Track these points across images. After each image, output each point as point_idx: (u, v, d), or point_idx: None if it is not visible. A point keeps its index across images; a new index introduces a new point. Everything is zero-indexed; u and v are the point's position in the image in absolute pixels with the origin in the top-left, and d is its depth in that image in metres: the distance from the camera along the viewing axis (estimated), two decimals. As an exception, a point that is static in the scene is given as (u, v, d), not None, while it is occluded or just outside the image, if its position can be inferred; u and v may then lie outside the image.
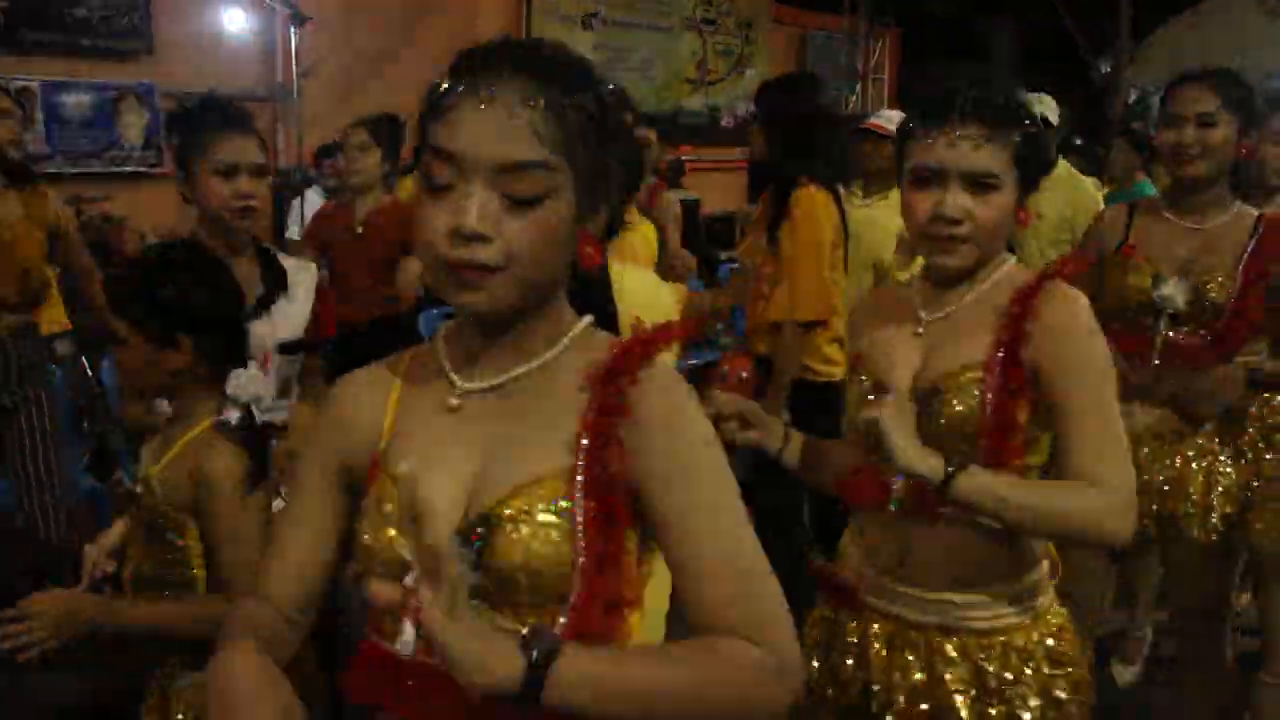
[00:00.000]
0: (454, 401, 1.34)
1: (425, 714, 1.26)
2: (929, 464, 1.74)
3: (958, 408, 1.83)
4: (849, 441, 2.01)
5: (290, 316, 2.67)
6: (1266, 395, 2.94)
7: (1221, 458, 2.89)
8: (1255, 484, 2.94)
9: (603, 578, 1.23)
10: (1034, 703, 1.85)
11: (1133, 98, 17.64)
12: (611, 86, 1.31)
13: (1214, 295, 2.80)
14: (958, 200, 1.82)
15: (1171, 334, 2.85)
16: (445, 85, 1.23)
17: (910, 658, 1.91)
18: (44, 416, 3.68)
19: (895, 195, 4.19)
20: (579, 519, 1.24)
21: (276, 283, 2.64)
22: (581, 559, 1.23)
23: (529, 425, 1.31)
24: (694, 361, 5.06)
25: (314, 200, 6.14)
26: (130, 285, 2.10)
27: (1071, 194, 4.60)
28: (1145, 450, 2.91)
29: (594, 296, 1.44)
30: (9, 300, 3.60)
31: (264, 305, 2.57)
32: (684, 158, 13.27)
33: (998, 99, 1.84)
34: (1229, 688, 3.17)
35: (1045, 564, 1.97)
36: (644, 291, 2.41)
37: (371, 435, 1.39)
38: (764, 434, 2.03)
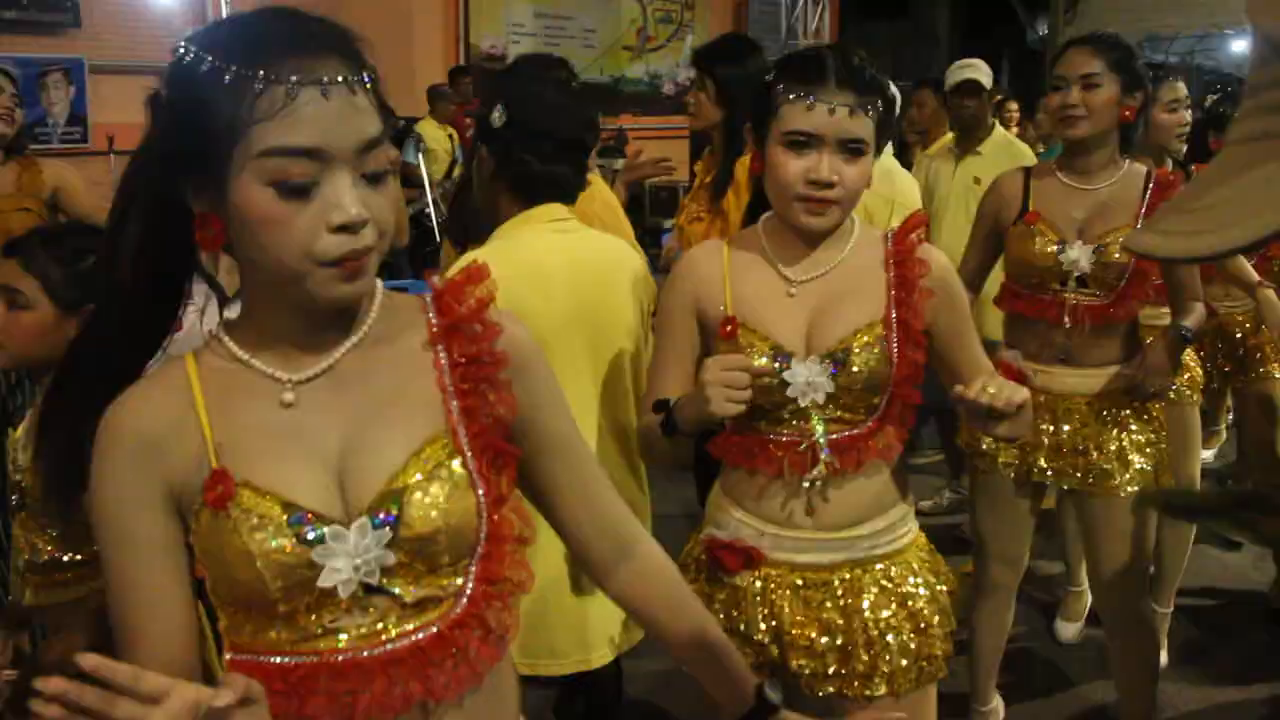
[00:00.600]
0: (288, 397, 1.28)
1: None
2: None
3: (870, 364, 1.97)
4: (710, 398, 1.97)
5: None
6: None
7: (1132, 419, 3.04)
8: (1163, 445, 3.10)
9: (503, 519, 1.31)
10: (927, 609, 2.10)
11: (1069, 59, 17.82)
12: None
13: (1117, 256, 2.90)
14: (833, 164, 1.92)
15: (1077, 298, 2.97)
16: (265, 83, 1.15)
17: (822, 597, 2.07)
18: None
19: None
20: (472, 467, 1.29)
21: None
22: (482, 504, 1.29)
23: (381, 401, 1.30)
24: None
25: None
26: (52, 247, 2.07)
27: (1010, 162, 4.63)
28: (1066, 410, 3.04)
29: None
30: None
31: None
32: (625, 127, 13.21)
33: (867, 71, 1.94)
34: (1153, 636, 3.34)
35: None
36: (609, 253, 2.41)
37: (192, 452, 1.26)
38: None
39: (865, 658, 2.04)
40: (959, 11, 19.80)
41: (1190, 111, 4.01)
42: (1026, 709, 3.73)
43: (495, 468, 1.32)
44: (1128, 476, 3.00)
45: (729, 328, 2.02)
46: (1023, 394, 1.84)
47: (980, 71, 4.99)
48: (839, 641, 2.05)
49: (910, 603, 2.08)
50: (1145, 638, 3.22)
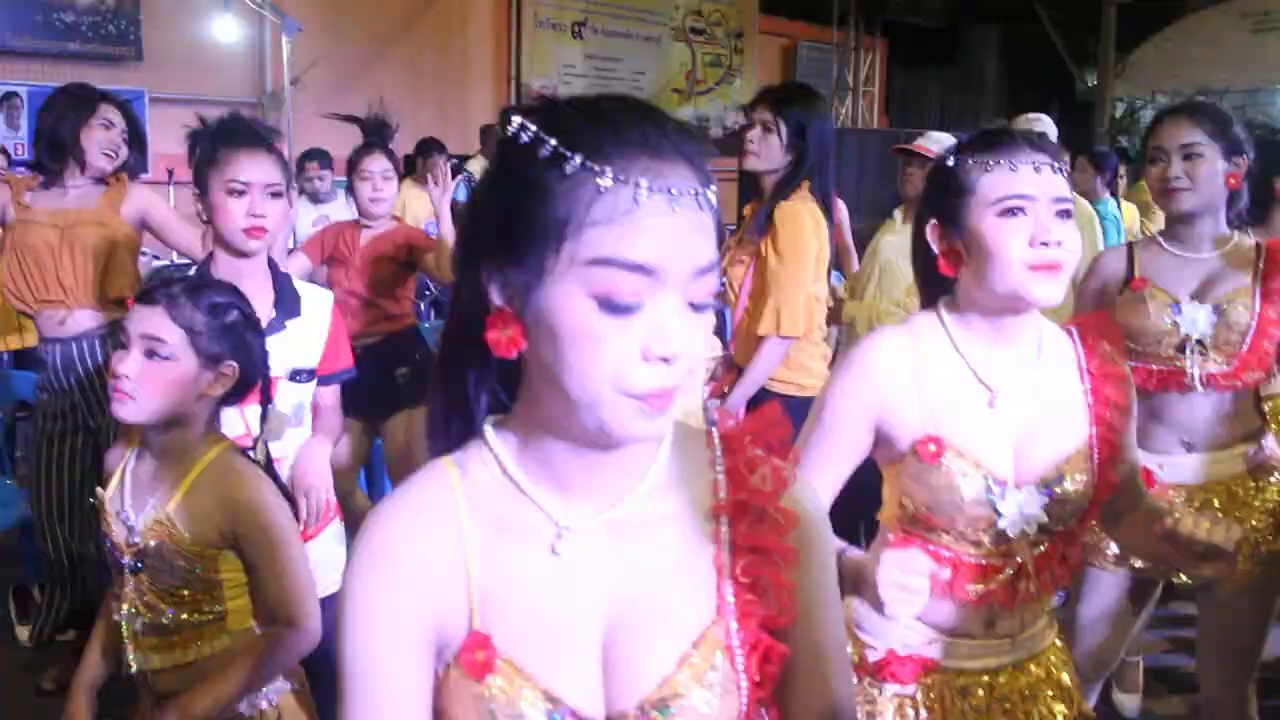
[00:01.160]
0: (561, 548, 1.13)
1: None
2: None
3: (1080, 490, 1.85)
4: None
5: (304, 344, 2.60)
6: None
7: (1255, 497, 2.83)
8: None
9: (761, 689, 1.18)
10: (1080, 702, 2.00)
11: (1119, 111, 17.75)
12: None
13: (1237, 316, 2.73)
14: (1057, 226, 1.76)
15: (1199, 364, 2.76)
16: (613, 180, 1.01)
17: (989, 700, 1.94)
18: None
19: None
20: (739, 668, 1.15)
21: (289, 308, 2.57)
22: (744, 707, 1.16)
23: (656, 568, 1.15)
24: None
25: (306, 209, 6.10)
26: (198, 298, 2.03)
27: (1088, 237, 4.52)
28: (1202, 504, 2.82)
29: None
30: (82, 299, 3.52)
31: (274, 329, 2.48)
32: (673, 167, 13.29)
33: (1044, 137, 1.85)
34: None
35: None
36: None
37: (457, 597, 1.12)
38: None
39: None
40: (1007, 60, 19.75)
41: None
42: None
43: (762, 669, 1.16)
44: (1254, 558, 2.77)
45: (932, 448, 1.81)
46: (1238, 531, 1.67)
47: (1047, 126, 4.87)
48: None
49: (1075, 697, 1.99)
50: None
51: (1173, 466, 2.81)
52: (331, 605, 1.28)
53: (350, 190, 4.25)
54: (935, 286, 1.93)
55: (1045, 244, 1.73)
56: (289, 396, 2.59)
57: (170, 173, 8.25)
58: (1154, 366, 2.78)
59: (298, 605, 2.02)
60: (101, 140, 3.51)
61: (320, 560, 2.37)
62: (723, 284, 3.64)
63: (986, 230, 1.77)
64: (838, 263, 4.51)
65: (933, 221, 1.87)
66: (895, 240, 4.08)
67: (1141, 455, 2.29)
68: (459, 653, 1.11)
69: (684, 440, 1.20)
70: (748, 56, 14.60)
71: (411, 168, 8.05)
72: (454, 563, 1.12)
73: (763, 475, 1.18)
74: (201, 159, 2.52)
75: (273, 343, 2.31)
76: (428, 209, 7.82)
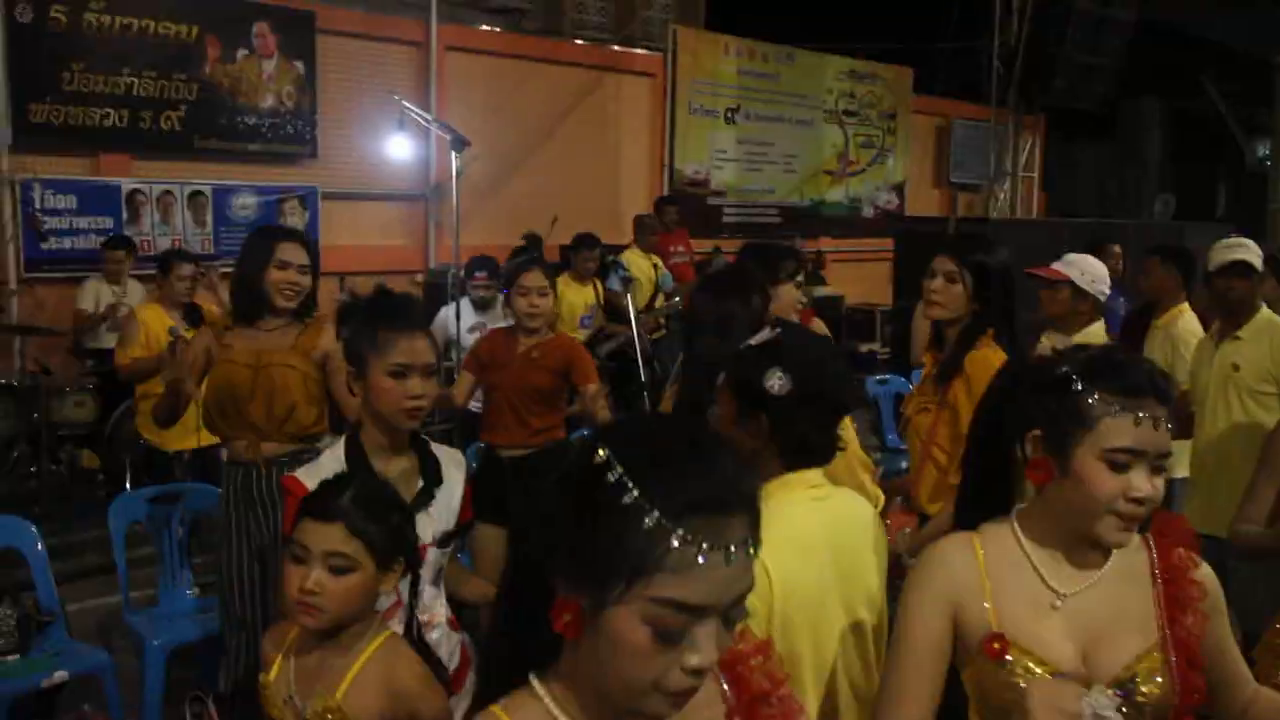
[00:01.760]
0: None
1: None
2: None
3: (1155, 693, 1.83)
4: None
5: (447, 508, 2.67)
6: None
7: None
8: None
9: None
10: None
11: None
12: None
13: None
14: (1150, 481, 1.78)
15: None
16: (682, 541, 1.17)
17: None
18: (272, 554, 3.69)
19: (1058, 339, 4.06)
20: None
21: (434, 477, 2.66)
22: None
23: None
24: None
25: (468, 311, 6.27)
26: (371, 508, 2.15)
27: (1270, 346, 4.25)
28: None
29: None
30: (270, 433, 3.67)
31: (424, 501, 2.58)
32: (824, 250, 13.26)
33: (1166, 380, 1.84)
34: None
35: None
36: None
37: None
38: None
39: None
40: (1169, 135, 19.17)
41: None
42: None
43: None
44: None
45: (997, 646, 1.83)
46: None
47: (1251, 252, 4.66)
48: None
49: None
50: None
51: None
52: None
53: (508, 302, 4.39)
54: (986, 484, 1.95)
55: (1136, 500, 1.76)
56: (433, 561, 2.66)
57: (341, 279, 8.59)
58: None
59: None
60: (280, 282, 3.67)
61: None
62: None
63: (1089, 472, 1.78)
64: None
65: (1036, 432, 1.85)
66: None
67: None
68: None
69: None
70: (900, 136, 14.53)
71: (567, 262, 8.20)
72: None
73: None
74: (358, 337, 2.59)
75: (423, 514, 2.46)
76: (584, 301, 7.97)
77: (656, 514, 1.15)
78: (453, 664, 2.70)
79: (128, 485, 6.18)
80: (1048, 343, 4.27)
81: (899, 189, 14.60)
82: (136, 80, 7.83)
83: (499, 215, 9.53)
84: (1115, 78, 14.19)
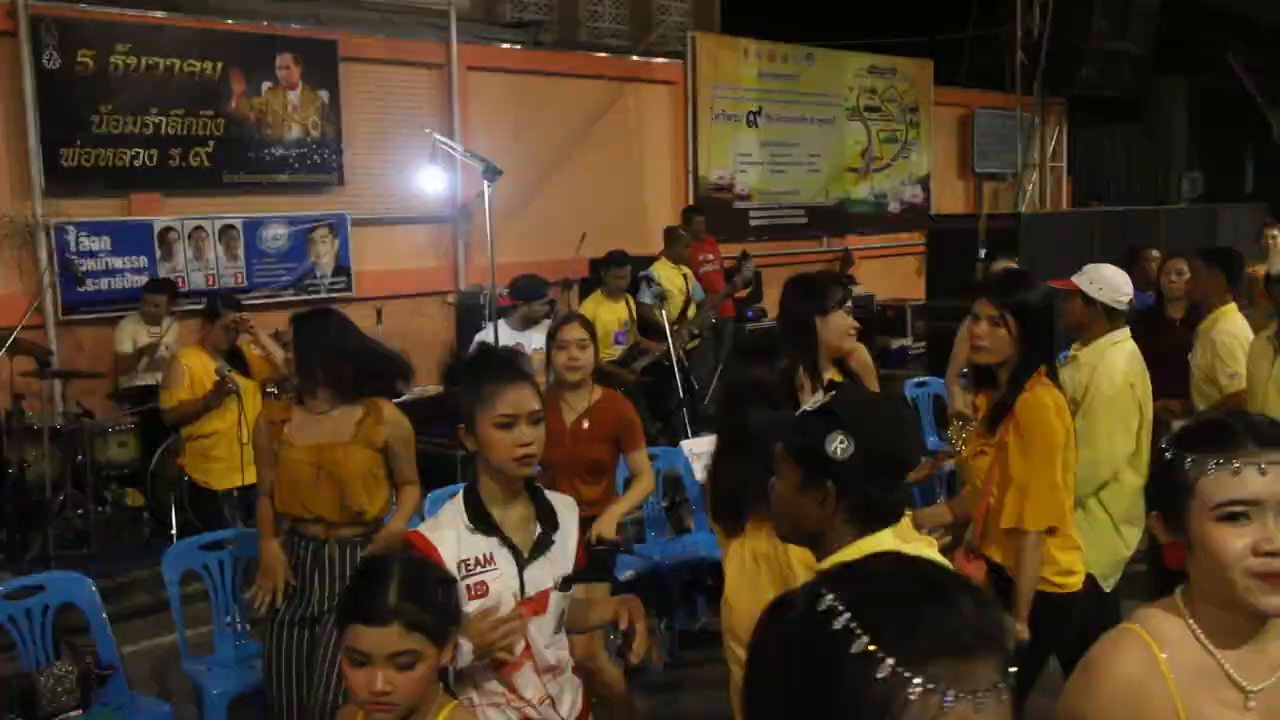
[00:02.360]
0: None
1: None
2: None
3: None
4: None
5: (563, 552, 2.70)
6: None
7: None
8: None
9: None
10: None
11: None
12: None
13: None
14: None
15: None
16: (923, 691, 1.05)
17: None
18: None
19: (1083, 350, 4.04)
20: None
21: (549, 522, 2.69)
22: None
23: None
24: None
25: (505, 333, 6.25)
26: (419, 592, 2.15)
27: None
28: None
29: None
30: (331, 518, 3.74)
31: (543, 546, 2.64)
32: (851, 247, 13.22)
33: (1276, 425, 1.72)
34: None
35: None
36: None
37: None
38: None
39: None
40: (1195, 112, 18.95)
41: None
42: None
43: None
44: None
45: None
46: None
47: None
48: None
49: None
50: None
51: None
52: None
53: (548, 360, 4.32)
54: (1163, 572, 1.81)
55: (1271, 553, 1.63)
56: (556, 605, 2.67)
57: (379, 311, 8.64)
58: None
59: None
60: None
61: None
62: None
63: (1208, 535, 1.68)
64: None
65: (1155, 514, 1.78)
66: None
67: None
68: None
69: None
70: (924, 129, 14.45)
71: (599, 279, 8.20)
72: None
73: None
74: (464, 394, 2.63)
75: (544, 559, 2.57)
76: (617, 319, 7.96)
77: (891, 663, 1.03)
78: (575, 711, 2.73)
79: (173, 523, 6.25)
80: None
81: (924, 183, 14.52)
82: (164, 119, 7.89)
83: (526, 232, 9.55)
84: (1143, 63, 14.02)
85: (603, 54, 11.21)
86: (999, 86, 14.53)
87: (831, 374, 3.82)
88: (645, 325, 8.06)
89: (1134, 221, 10.81)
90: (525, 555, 2.59)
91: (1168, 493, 1.73)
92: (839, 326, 3.70)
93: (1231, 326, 5.09)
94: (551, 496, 2.77)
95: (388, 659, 2.07)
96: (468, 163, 7.09)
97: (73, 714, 3.84)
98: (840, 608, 1.07)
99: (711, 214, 10.55)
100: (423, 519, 3.38)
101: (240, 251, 8.38)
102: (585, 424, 4.21)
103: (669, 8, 12.34)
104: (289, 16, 8.93)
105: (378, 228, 9.26)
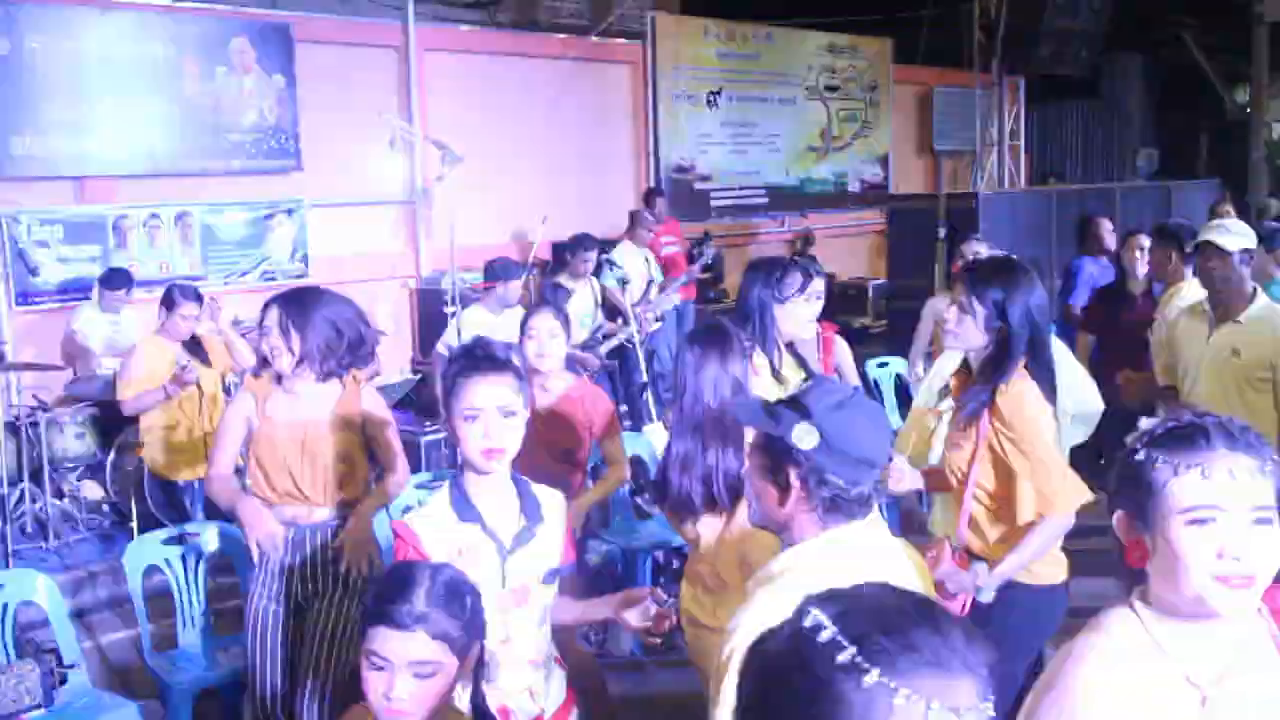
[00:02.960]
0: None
1: None
2: None
3: None
4: None
5: (550, 545, 2.70)
6: None
7: None
8: None
9: None
10: None
11: (1276, 133, 17.00)
12: None
13: None
14: (1244, 538, 1.65)
15: None
16: (906, 700, 1.08)
17: None
18: (337, 617, 3.68)
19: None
20: None
21: (533, 514, 2.68)
22: None
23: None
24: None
25: (481, 317, 6.21)
26: (447, 601, 2.11)
27: (1272, 333, 4.23)
28: None
29: None
30: (315, 499, 3.65)
31: (525, 538, 2.63)
32: (812, 226, 13.24)
33: (1251, 432, 1.71)
34: None
35: None
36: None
37: None
38: None
39: None
40: (1151, 87, 19.14)
41: None
42: None
43: None
44: None
45: None
46: None
47: (1238, 233, 4.56)
48: None
49: None
50: None
51: None
52: None
53: (519, 347, 4.26)
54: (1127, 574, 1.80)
55: (1236, 558, 1.64)
56: (540, 598, 2.67)
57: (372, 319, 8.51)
58: None
59: None
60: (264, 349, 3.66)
61: None
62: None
63: (1173, 537, 1.68)
64: None
65: (1119, 513, 1.77)
66: None
67: None
68: None
69: None
70: (883, 108, 14.48)
71: (562, 261, 8.16)
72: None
73: None
74: (445, 390, 2.64)
75: (526, 551, 2.55)
76: (585, 305, 7.90)
77: (876, 671, 1.06)
78: (557, 702, 2.75)
79: (133, 515, 6.18)
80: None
81: (883, 161, 14.57)
82: (117, 106, 7.77)
83: (487, 215, 9.49)
84: (1098, 41, 14.13)
85: (562, 35, 11.13)
86: (957, 65, 14.62)
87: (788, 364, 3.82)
88: (609, 308, 8.04)
89: (1090, 199, 10.92)
90: (508, 547, 2.58)
91: (1135, 493, 1.72)
92: (797, 315, 3.68)
93: (1185, 302, 5.12)
94: (537, 489, 2.75)
95: (408, 666, 2.02)
96: (429, 146, 7.02)
97: (35, 712, 3.79)
98: (828, 623, 1.11)
99: (673, 195, 10.53)
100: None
101: (196, 239, 8.27)
102: (554, 413, 4.18)
103: (627, -12, 12.28)
104: (243, 0, 8.82)
105: (336, 211, 9.16)
